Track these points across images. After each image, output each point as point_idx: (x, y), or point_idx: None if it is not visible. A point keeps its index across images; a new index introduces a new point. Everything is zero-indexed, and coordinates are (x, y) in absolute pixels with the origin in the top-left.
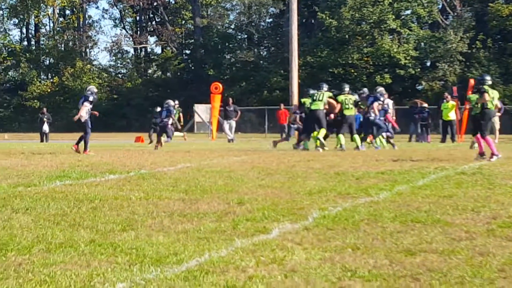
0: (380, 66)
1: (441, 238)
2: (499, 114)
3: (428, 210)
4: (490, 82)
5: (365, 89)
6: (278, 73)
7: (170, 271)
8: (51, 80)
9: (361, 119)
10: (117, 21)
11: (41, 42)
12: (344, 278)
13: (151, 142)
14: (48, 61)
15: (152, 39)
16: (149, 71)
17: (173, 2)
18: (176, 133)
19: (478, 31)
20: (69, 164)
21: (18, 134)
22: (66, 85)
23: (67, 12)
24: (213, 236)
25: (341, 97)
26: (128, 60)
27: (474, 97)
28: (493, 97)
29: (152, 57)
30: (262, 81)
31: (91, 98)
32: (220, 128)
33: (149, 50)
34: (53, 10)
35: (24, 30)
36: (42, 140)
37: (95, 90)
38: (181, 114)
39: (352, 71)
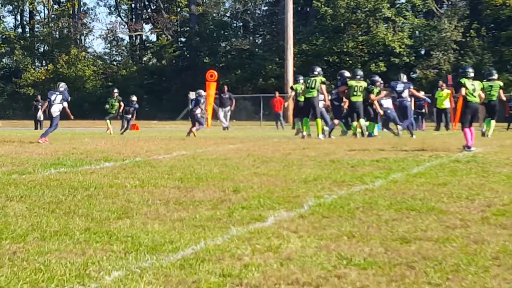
0: (375, 54)
1: (435, 226)
2: None
3: (423, 198)
4: (471, 74)
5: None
6: (273, 61)
7: (165, 259)
8: (46, 67)
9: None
10: (112, 9)
11: (36, 29)
12: (339, 266)
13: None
14: (42, 48)
15: (147, 27)
16: (144, 58)
17: None
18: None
19: (472, 20)
20: (64, 151)
21: (13, 121)
22: (61, 73)
23: None
24: (208, 224)
25: (352, 82)
26: (123, 48)
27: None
28: (473, 89)
29: (147, 44)
30: (257, 69)
31: (69, 99)
32: (215, 116)
33: (144, 37)
34: None
35: (18, 17)
36: (36, 128)
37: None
38: (121, 103)
39: (347, 59)
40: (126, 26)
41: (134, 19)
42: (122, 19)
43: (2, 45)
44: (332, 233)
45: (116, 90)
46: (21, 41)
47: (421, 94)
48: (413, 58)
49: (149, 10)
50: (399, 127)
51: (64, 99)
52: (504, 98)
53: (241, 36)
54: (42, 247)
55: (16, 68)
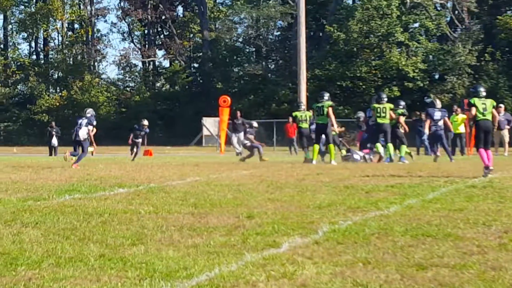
0: (388, 79)
1: (452, 252)
2: (507, 127)
3: (439, 224)
4: (483, 94)
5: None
6: (286, 86)
7: (180, 286)
8: (60, 93)
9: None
10: (125, 35)
11: (50, 56)
12: None
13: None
14: (56, 75)
15: (160, 53)
16: (157, 84)
17: (181, 15)
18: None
19: (487, 43)
20: (78, 178)
21: (27, 147)
22: (75, 99)
23: (76, 26)
24: (223, 250)
25: (375, 105)
26: (137, 74)
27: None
28: (484, 108)
29: (160, 70)
30: (270, 94)
31: (95, 123)
32: (228, 142)
33: (157, 63)
34: (62, 24)
35: (33, 44)
36: (51, 154)
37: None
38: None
39: (361, 84)
40: (139, 52)
41: (147, 45)
42: (135, 45)
43: (17, 72)
44: (347, 259)
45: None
46: (36, 68)
47: None
48: (427, 82)
49: (162, 36)
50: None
51: (89, 123)
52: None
53: (254, 61)
54: (57, 274)
55: (31, 95)
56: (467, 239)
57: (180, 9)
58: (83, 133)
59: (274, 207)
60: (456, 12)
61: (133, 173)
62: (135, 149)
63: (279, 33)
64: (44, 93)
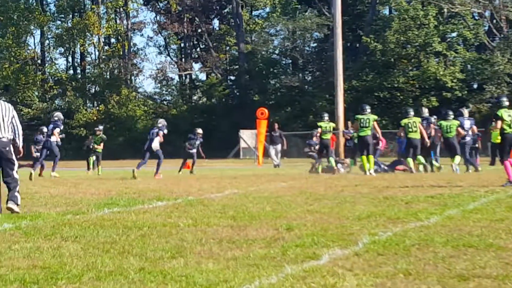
0: (426, 89)
1: (494, 263)
2: None
3: (480, 235)
4: (507, 103)
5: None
6: (323, 98)
7: None
8: (97, 108)
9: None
10: (161, 48)
11: (87, 70)
12: None
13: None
14: (93, 89)
15: (196, 66)
16: (194, 97)
17: (217, 28)
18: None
19: None
20: (117, 191)
21: (65, 162)
22: (112, 113)
23: (112, 40)
24: (262, 263)
25: (404, 121)
26: (173, 87)
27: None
28: (511, 119)
29: (197, 83)
30: (307, 106)
31: (165, 131)
32: (266, 154)
33: (193, 76)
34: (99, 39)
35: (70, 59)
36: (89, 168)
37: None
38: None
39: (398, 94)
40: (176, 66)
41: (183, 59)
42: (172, 59)
43: (54, 86)
44: (388, 271)
45: (100, 127)
46: (73, 83)
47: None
48: (466, 92)
49: (198, 49)
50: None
51: (160, 131)
52: None
53: (291, 73)
54: (98, 287)
55: (68, 109)
56: (509, 250)
57: (216, 22)
58: (155, 144)
59: (313, 219)
60: (494, 21)
61: (171, 186)
62: (190, 160)
63: (315, 44)
64: (82, 108)
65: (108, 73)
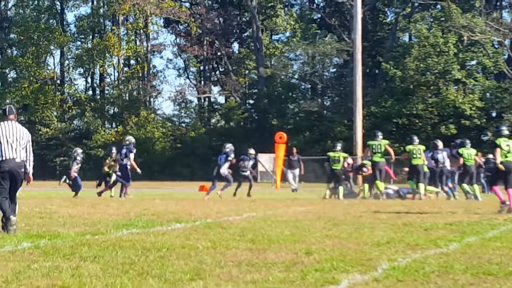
0: (445, 116)
1: None
2: None
3: (499, 263)
4: (506, 132)
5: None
6: (341, 123)
7: None
8: (116, 129)
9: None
10: (181, 71)
11: (106, 91)
12: None
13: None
14: (112, 110)
15: (215, 89)
16: (213, 120)
17: (237, 52)
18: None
19: None
20: (135, 212)
21: (83, 182)
22: (131, 134)
23: (132, 61)
24: (282, 287)
25: (409, 147)
26: (192, 110)
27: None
28: (508, 150)
29: (216, 106)
30: (326, 131)
31: (232, 155)
32: (284, 178)
33: (212, 99)
34: (118, 60)
35: (89, 80)
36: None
37: None
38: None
39: (417, 121)
40: (195, 88)
41: (202, 81)
42: (191, 82)
43: (73, 107)
44: None
45: (114, 150)
46: (92, 103)
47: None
48: (484, 120)
49: (217, 73)
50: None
51: (227, 157)
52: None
53: (310, 98)
54: None
55: (87, 130)
56: None
57: (236, 46)
58: (223, 170)
59: (332, 244)
60: None
61: (190, 208)
62: (247, 182)
63: (334, 70)
64: (100, 128)
65: (127, 95)
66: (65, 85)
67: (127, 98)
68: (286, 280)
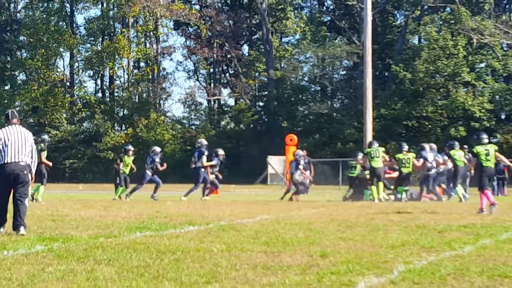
0: (454, 118)
1: None
2: None
3: None
4: (485, 140)
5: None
6: (351, 125)
7: None
8: (125, 131)
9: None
10: (191, 73)
11: (116, 93)
12: None
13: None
14: (122, 113)
15: (225, 91)
16: (222, 122)
17: (247, 54)
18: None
19: None
20: (148, 215)
21: (92, 185)
22: (140, 136)
23: (142, 64)
24: None
25: (399, 156)
26: (202, 112)
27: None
28: (487, 153)
29: (226, 109)
30: (336, 133)
31: (303, 161)
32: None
33: (222, 102)
34: (128, 62)
35: (99, 82)
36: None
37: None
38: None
39: (426, 123)
40: (205, 91)
41: (212, 84)
42: (201, 84)
43: (82, 109)
44: None
45: (130, 147)
46: (101, 106)
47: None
48: (494, 122)
49: (227, 75)
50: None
51: (298, 164)
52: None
53: (319, 100)
54: None
55: (96, 132)
56: None
57: (245, 48)
58: (296, 177)
59: (347, 246)
60: None
61: (202, 211)
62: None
63: (344, 72)
64: (110, 131)
65: (136, 97)
66: (75, 87)
67: (137, 100)
68: (302, 283)
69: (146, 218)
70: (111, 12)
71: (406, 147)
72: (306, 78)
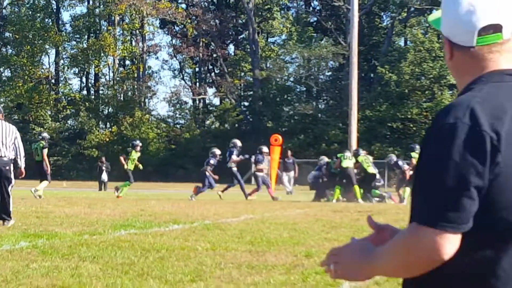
0: None
1: None
2: None
3: None
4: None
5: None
6: (336, 126)
7: None
8: (110, 129)
9: None
10: (176, 72)
11: (101, 91)
12: None
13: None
14: (107, 111)
15: (210, 91)
16: (207, 122)
17: (232, 54)
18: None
19: None
20: (132, 213)
21: (76, 182)
22: (125, 135)
23: (127, 62)
24: None
25: (360, 158)
26: (187, 111)
27: None
28: None
29: (211, 108)
30: (321, 134)
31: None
32: (279, 181)
33: (207, 101)
34: (114, 60)
35: (84, 80)
36: (100, 189)
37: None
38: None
39: (411, 125)
40: (190, 90)
41: (197, 83)
42: (186, 83)
43: (67, 106)
44: None
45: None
46: (86, 103)
47: None
48: None
49: (212, 74)
50: None
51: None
52: None
53: (305, 101)
54: None
55: (81, 130)
56: None
57: (231, 48)
58: (310, 177)
59: (331, 247)
60: None
61: (187, 209)
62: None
63: (330, 73)
64: (94, 129)
65: (122, 95)
66: (60, 84)
67: (122, 98)
68: (287, 283)
69: (130, 216)
70: (97, 10)
71: (362, 151)
72: (291, 79)
